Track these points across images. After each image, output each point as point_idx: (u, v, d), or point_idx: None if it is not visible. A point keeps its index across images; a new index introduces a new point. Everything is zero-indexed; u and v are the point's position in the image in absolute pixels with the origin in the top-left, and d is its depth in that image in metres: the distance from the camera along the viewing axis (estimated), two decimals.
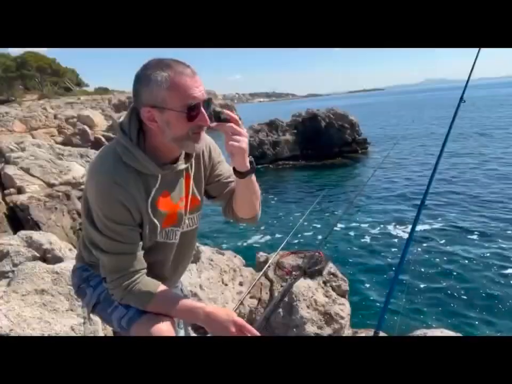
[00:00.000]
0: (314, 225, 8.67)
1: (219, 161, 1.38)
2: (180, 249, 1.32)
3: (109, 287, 1.17)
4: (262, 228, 8.97)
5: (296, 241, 7.40)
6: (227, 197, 1.38)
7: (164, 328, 1.12)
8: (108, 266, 1.16)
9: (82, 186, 7.77)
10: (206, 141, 1.32)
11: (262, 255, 3.25)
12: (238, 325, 1.10)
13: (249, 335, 1.10)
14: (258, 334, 1.11)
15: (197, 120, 1.07)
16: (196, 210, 1.32)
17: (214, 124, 1.11)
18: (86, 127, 20.21)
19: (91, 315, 1.38)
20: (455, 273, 6.10)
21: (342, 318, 2.59)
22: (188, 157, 1.25)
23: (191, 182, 1.27)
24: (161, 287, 1.18)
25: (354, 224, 8.65)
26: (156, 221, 1.17)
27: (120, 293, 1.15)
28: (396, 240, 7.63)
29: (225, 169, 1.39)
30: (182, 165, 1.21)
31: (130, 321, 1.17)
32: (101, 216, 1.11)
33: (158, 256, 1.26)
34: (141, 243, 1.18)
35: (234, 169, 1.21)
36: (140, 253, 1.17)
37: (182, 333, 1.61)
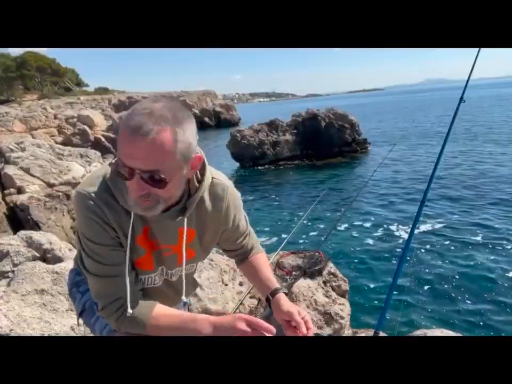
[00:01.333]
0: (315, 225, 8.67)
1: (239, 219, 1.30)
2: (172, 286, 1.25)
3: (101, 315, 1.11)
4: (262, 228, 8.97)
5: (296, 241, 7.40)
6: (240, 252, 1.39)
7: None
8: (93, 289, 1.10)
9: None
10: (229, 198, 1.22)
11: None
12: (246, 321, 1.02)
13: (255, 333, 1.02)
14: (269, 327, 1.01)
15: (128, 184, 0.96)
16: (188, 262, 1.22)
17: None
18: (86, 127, 20.21)
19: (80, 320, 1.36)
20: (455, 273, 6.09)
21: (342, 318, 2.59)
22: (185, 209, 1.11)
23: (184, 237, 1.13)
24: (157, 309, 1.09)
25: (354, 224, 8.65)
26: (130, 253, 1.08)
27: (113, 323, 1.09)
28: (396, 239, 7.63)
29: (243, 226, 1.33)
30: (171, 218, 1.08)
31: (110, 332, 1.16)
32: (81, 233, 1.06)
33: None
34: (127, 265, 1.07)
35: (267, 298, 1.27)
36: (127, 277, 1.07)
37: None
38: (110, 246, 1.05)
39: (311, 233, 8.17)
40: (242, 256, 1.40)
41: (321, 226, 8.59)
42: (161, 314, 1.09)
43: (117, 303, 1.07)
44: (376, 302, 5.39)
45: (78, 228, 1.08)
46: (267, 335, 1.01)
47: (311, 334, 1.15)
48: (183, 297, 1.21)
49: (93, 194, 1.02)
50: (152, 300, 1.14)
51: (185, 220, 1.11)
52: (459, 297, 5.43)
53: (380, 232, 8.11)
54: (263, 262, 1.39)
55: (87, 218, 1.03)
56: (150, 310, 1.09)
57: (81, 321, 1.35)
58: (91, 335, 1.69)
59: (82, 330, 2.21)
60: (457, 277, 5.98)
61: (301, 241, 7.63)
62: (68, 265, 2.63)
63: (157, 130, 0.89)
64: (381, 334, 2.03)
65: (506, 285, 5.65)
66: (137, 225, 1.07)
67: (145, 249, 1.11)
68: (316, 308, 2.60)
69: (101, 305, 1.08)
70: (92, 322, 1.23)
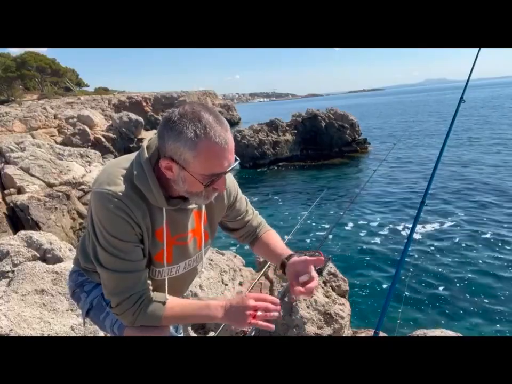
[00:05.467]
0: (315, 225, 8.67)
1: (238, 197, 1.37)
2: (182, 277, 1.28)
3: (115, 313, 1.12)
4: None
5: (296, 241, 7.40)
6: (245, 231, 1.43)
7: (155, 331, 1.11)
8: (109, 285, 1.10)
9: (82, 186, 7.77)
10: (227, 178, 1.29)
11: None
12: (253, 297, 1.07)
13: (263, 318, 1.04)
14: (274, 298, 1.08)
15: (214, 185, 1.06)
16: (206, 245, 1.30)
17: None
18: (86, 127, 20.19)
19: (86, 320, 1.36)
20: (455, 273, 6.10)
21: (342, 318, 2.59)
22: None
23: (202, 219, 1.24)
24: (170, 299, 1.15)
25: (354, 224, 8.65)
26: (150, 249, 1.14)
27: (129, 319, 1.11)
28: (396, 239, 7.63)
29: (242, 205, 1.40)
30: (191, 205, 1.18)
31: (120, 327, 1.18)
32: (102, 230, 1.06)
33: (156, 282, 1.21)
34: (144, 260, 1.12)
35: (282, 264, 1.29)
36: (144, 272, 1.12)
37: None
38: (133, 242, 1.09)
39: (311, 233, 8.18)
40: (251, 237, 1.44)
41: (321, 226, 8.60)
42: (176, 304, 1.14)
43: (133, 298, 1.09)
44: (376, 302, 5.39)
45: (98, 226, 1.08)
46: (274, 307, 1.07)
47: (315, 282, 1.20)
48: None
49: (120, 194, 1.04)
50: (161, 291, 1.17)
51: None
52: (459, 297, 5.43)
53: (380, 232, 8.12)
54: (275, 236, 1.44)
55: (113, 216, 1.04)
56: (164, 301, 1.13)
57: (87, 320, 1.35)
58: (91, 335, 1.69)
59: (82, 330, 2.21)
60: (458, 276, 5.98)
61: (302, 241, 7.63)
62: (68, 265, 2.62)
63: None
64: (381, 334, 2.03)
65: (503, 282, 5.65)
66: (158, 220, 1.12)
67: (163, 243, 1.15)
68: (316, 308, 2.60)
69: (116, 301, 1.10)
70: (101, 318, 1.25)
